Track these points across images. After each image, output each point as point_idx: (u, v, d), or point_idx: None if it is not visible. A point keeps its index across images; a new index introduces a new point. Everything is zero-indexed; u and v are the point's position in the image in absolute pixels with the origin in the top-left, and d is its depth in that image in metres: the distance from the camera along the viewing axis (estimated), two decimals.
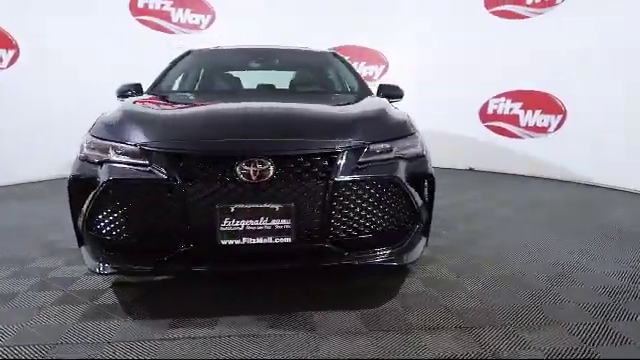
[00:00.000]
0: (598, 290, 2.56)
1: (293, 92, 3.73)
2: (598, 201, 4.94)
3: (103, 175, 2.18)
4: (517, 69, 6.40)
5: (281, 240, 2.12)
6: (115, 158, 2.24)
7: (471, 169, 6.98)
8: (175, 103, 2.97)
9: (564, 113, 6.04)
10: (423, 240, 2.52)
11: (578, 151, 5.88)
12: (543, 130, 6.27)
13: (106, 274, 2.25)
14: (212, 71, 3.91)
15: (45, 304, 2.40)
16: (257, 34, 6.78)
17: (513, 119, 6.56)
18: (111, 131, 2.38)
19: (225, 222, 2.08)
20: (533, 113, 6.36)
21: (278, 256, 2.22)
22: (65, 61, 6.21)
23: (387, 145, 2.35)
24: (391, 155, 2.34)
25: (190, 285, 2.59)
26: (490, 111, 6.79)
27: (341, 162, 2.17)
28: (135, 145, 2.21)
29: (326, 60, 4.12)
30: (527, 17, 6.31)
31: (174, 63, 3.79)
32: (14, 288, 2.61)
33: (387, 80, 6.42)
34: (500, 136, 6.71)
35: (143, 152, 2.18)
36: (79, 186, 2.29)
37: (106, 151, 2.28)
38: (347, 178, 2.16)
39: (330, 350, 1.95)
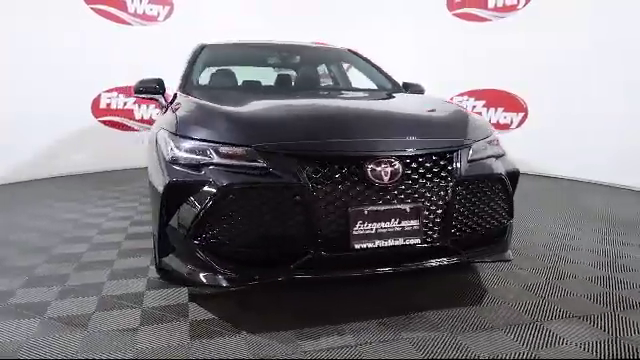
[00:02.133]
0: None
1: (338, 89, 3.66)
2: (562, 190, 5.40)
3: (216, 179, 1.99)
4: (480, 69, 6.78)
5: (410, 241, 2.08)
6: (221, 161, 2.06)
7: None
8: (246, 100, 2.74)
9: (525, 111, 6.51)
10: None
11: (538, 146, 6.35)
12: (505, 127, 6.70)
13: (223, 287, 2.05)
14: (242, 66, 3.72)
15: (134, 325, 2.15)
16: (217, 27, 6.52)
17: None
18: (207, 131, 2.18)
19: (358, 225, 2.01)
20: (496, 110, 6.78)
21: (405, 257, 2.17)
22: (9, 52, 5.57)
23: (483, 144, 2.41)
24: (485, 154, 2.40)
25: (284, 293, 2.47)
26: None
27: (458, 161, 2.19)
28: (248, 146, 2.05)
29: (346, 57, 4.09)
30: (489, 20, 6.71)
31: (194, 58, 3.53)
32: (79, 310, 2.31)
33: None
34: None
35: (259, 154, 2.03)
36: (176, 192, 2.08)
37: (204, 153, 2.10)
38: (465, 176, 2.18)
39: (478, 348, 1.96)
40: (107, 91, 6.59)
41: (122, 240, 3.42)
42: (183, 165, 2.11)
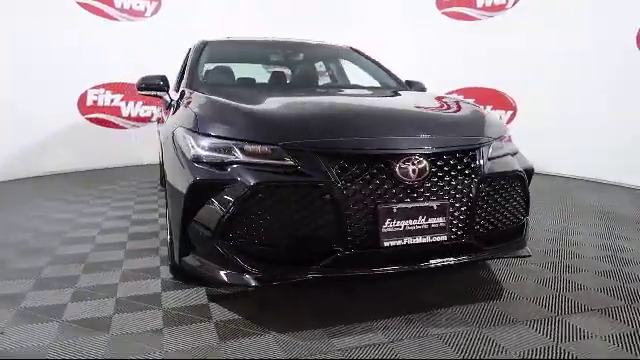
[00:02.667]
0: None
1: (347, 86, 3.73)
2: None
3: (243, 178, 1.96)
4: (469, 68, 6.84)
5: (437, 238, 2.09)
6: (246, 159, 2.04)
7: None
8: (263, 97, 2.71)
9: (514, 109, 6.61)
10: None
11: (528, 143, 6.45)
12: None
13: (250, 286, 2.03)
14: (248, 64, 3.68)
15: (158, 327, 2.11)
16: (204, 24, 6.45)
17: None
18: (230, 128, 2.15)
19: (387, 223, 2.01)
20: (484, 108, 6.85)
21: (432, 254, 2.17)
22: None
23: (500, 142, 2.44)
24: (502, 152, 2.42)
25: (301, 292, 2.45)
26: None
27: (481, 158, 2.22)
28: (275, 144, 2.03)
29: (348, 55, 4.08)
30: (478, 19, 6.79)
31: (198, 54, 3.47)
32: (98, 312, 2.25)
33: None
34: None
35: (287, 152, 2.01)
36: (200, 191, 2.04)
37: (229, 151, 2.07)
38: (487, 173, 2.21)
39: (506, 342, 1.98)
40: (94, 87, 6.44)
41: (126, 240, 3.34)
42: (206, 163, 2.08)
